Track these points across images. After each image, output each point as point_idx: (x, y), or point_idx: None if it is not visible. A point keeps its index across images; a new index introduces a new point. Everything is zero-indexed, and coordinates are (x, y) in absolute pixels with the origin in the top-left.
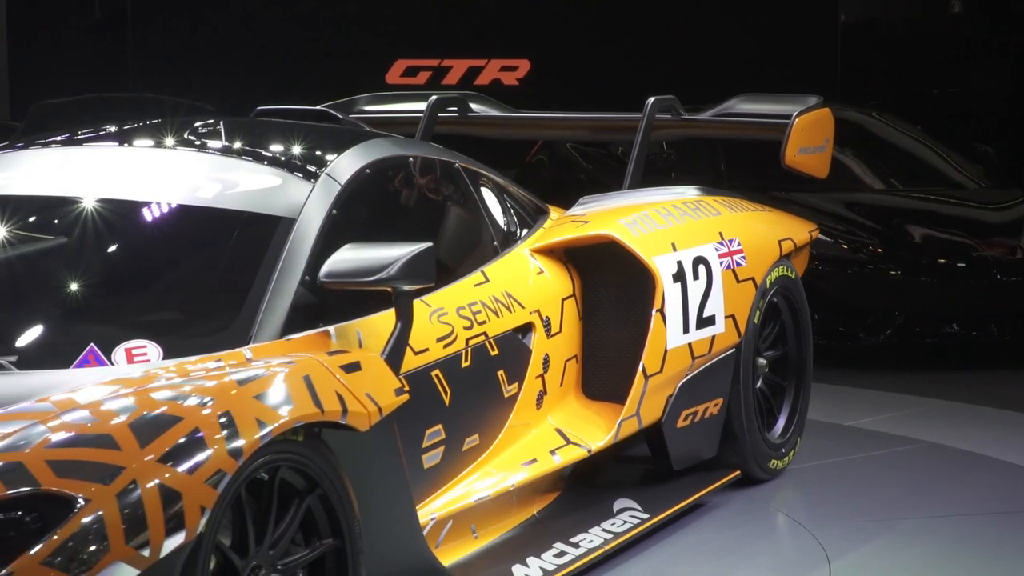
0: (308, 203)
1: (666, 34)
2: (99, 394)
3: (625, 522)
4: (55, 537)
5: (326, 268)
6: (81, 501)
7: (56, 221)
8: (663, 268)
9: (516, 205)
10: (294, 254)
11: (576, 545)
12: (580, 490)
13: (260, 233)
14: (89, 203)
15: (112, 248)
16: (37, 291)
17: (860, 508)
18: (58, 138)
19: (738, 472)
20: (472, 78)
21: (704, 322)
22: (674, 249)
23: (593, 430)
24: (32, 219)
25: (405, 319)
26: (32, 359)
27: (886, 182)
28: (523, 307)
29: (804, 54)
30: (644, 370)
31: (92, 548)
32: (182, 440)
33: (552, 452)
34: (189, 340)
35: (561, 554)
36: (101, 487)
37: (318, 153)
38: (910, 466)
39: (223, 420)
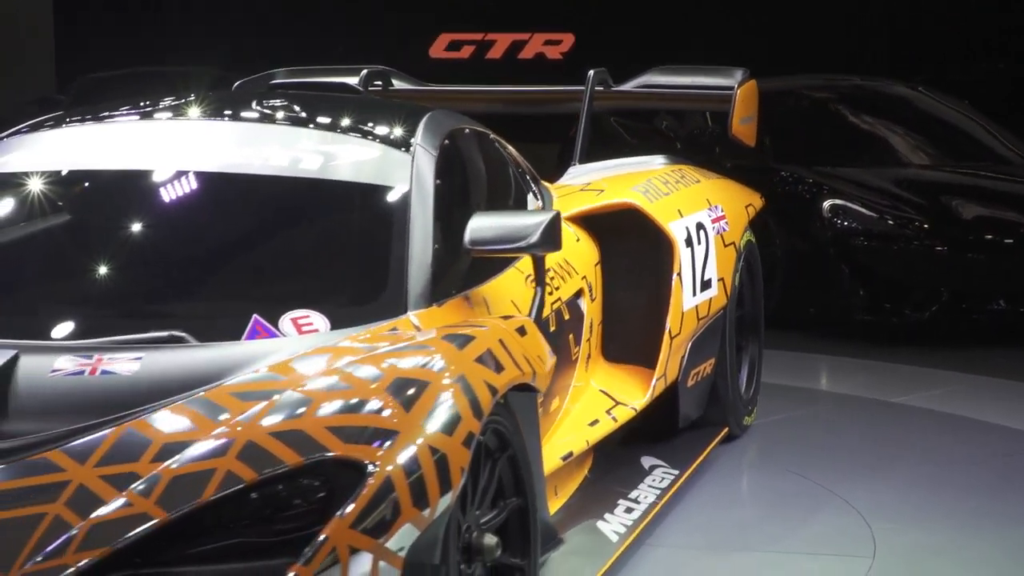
0: (415, 173)
1: (709, 8)
2: (325, 363)
3: (663, 478)
4: (357, 502)
5: (471, 236)
6: (371, 466)
7: (185, 194)
8: (677, 233)
9: (531, 173)
10: (421, 223)
11: (636, 501)
12: (607, 451)
13: (381, 204)
14: (210, 177)
15: (245, 222)
16: (185, 265)
17: (904, 482)
18: (150, 110)
19: (727, 428)
20: (516, 52)
21: (704, 285)
22: (680, 215)
23: (631, 391)
24: (163, 192)
25: (543, 284)
26: (203, 333)
27: (933, 158)
28: (576, 273)
29: (852, 29)
30: (669, 331)
31: (387, 511)
32: (436, 404)
33: (608, 412)
34: (350, 310)
35: (629, 510)
36: (386, 452)
37: (398, 125)
38: (954, 442)
39: (461, 384)
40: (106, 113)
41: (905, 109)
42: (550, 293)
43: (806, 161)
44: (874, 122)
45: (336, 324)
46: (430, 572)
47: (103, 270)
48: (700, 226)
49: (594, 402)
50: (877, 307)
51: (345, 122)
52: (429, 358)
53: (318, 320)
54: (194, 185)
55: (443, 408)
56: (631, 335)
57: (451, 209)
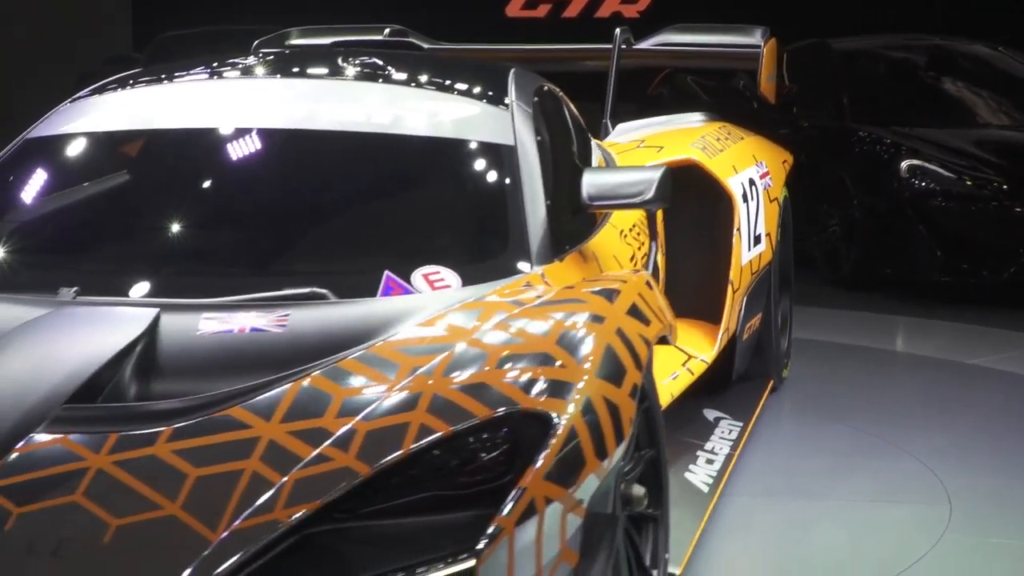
0: (516, 129)
1: None
2: (480, 318)
3: (730, 429)
4: (547, 453)
5: (589, 191)
6: (556, 418)
7: (303, 152)
8: (735, 189)
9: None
10: (529, 178)
11: (714, 453)
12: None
13: (490, 160)
14: (324, 136)
15: (360, 180)
16: (310, 224)
17: (971, 439)
18: (242, 67)
19: (773, 380)
20: (592, 10)
21: (756, 240)
22: (735, 171)
23: (700, 344)
24: (281, 151)
25: (655, 238)
26: (337, 290)
27: (1012, 118)
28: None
29: None
30: (732, 285)
31: (574, 462)
32: (604, 356)
33: (683, 366)
34: (478, 266)
35: (709, 461)
36: (568, 403)
37: (487, 82)
38: None
39: (621, 337)
40: (208, 69)
41: (985, 69)
42: (639, 248)
43: (884, 121)
44: (953, 82)
45: (467, 281)
46: (604, 522)
47: (231, 229)
48: (752, 182)
49: (670, 356)
50: (954, 268)
51: (437, 80)
52: (587, 312)
53: (449, 276)
54: (310, 143)
55: (611, 360)
56: (694, 290)
57: (550, 165)
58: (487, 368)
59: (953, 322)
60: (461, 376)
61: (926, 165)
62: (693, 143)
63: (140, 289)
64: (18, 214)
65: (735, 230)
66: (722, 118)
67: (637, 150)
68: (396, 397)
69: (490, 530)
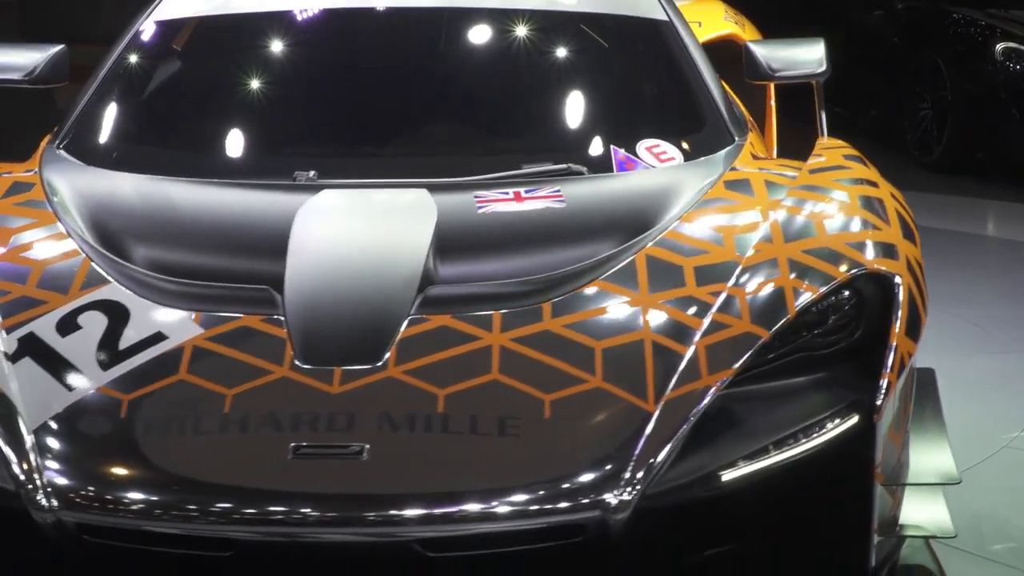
0: (664, 4)
1: None
2: (764, 187)
3: None
4: (901, 311)
5: (770, 63)
6: (897, 277)
7: (496, 31)
8: None
9: None
10: (698, 53)
11: None
12: None
13: (660, 37)
14: (516, 13)
15: (542, 59)
16: (519, 102)
17: None
18: None
19: None
20: None
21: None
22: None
23: None
24: (479, 31)
25: (824, 109)
26: (586, 163)
27: None
28: None
29: None
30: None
31: (916, 318)
32: (899, 218)
33: None
34: (687, 138)
35: None
36: (900, 264)
37: None
38: None
39: (896, 199)
40: None
41: None
42: None
43: (979, 3)
44: None
45: (685, 154)
46: (922, 376)
47: (448, 110)
48: None
49: None
50: None
51: None
52: (862, 177)
53: (670, 149)
54: (502, 23)
55: (904, 222)
56: None
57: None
58: (819, 233)
59: None
60: (801, 242)
61: (1021, 48)
62: (726, 17)
63: (374, 172)
64: (213, 101)
65: (771, 102)
66: None
67: None
68: (756, 263)
69: (883, 384)
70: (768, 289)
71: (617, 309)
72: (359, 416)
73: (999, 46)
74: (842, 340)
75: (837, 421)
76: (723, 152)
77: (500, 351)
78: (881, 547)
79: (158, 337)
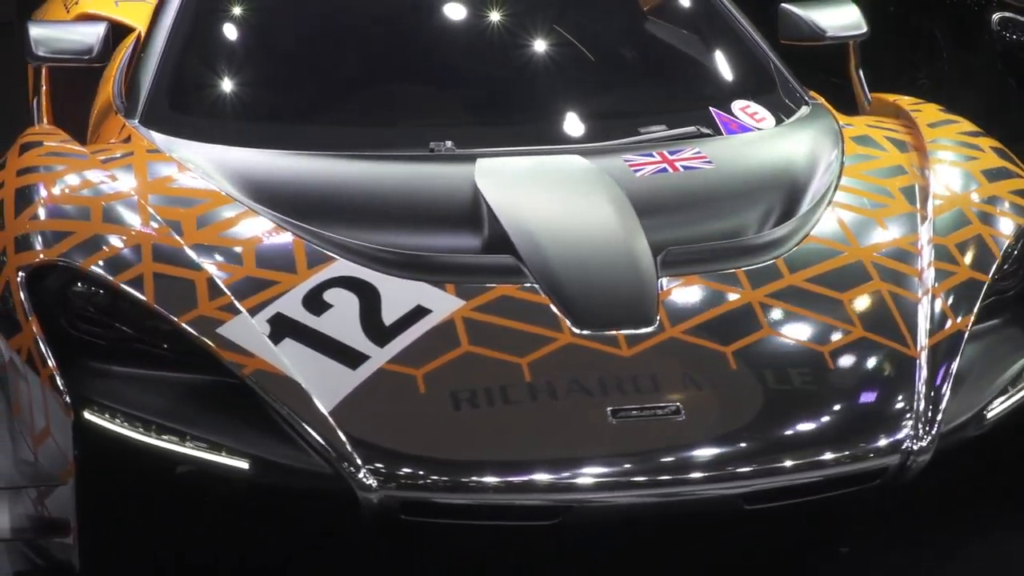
0: None
1: None
2: (889, 144)
3: None
4: None
5: (823, 23)
6: None
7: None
8: None
9: None
10: (740, 14)
11: None
12: None
13: (707, 6)
14: None
15: (614, 28)
16: (607, 66)
17: None
18: None
19: None
20: None
21: None
22: None
23: None
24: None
25: (859, 68)
26: (684, 125)
27: None
28: None
29: None
30: None
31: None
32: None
33: None
34: (765, 98)
35: None
36: None
37: None
38: None
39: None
40: None
41: None
42: None
43: None
44: None
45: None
46: None
47: (547, 78)
48: None
49: None
50: None
51: None
52: (970, 130)
53: (760, 110)
54: None
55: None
56: None
57: None
58: (980, 184)
59: None
60: (971, 192)
61: (1018, 17)
62: None
63: (501, 140)
64: (319, 70)
65: None
66: None
67: None
68: (943, 213)
69: None
70: (969, 237)
71: (841, 262)
72: (661, 377)
73: (996, 16)
74: (1015, 285)
75: None
76: (812, 110)
77: (761, 307)
78: None
79: (420, 311)
